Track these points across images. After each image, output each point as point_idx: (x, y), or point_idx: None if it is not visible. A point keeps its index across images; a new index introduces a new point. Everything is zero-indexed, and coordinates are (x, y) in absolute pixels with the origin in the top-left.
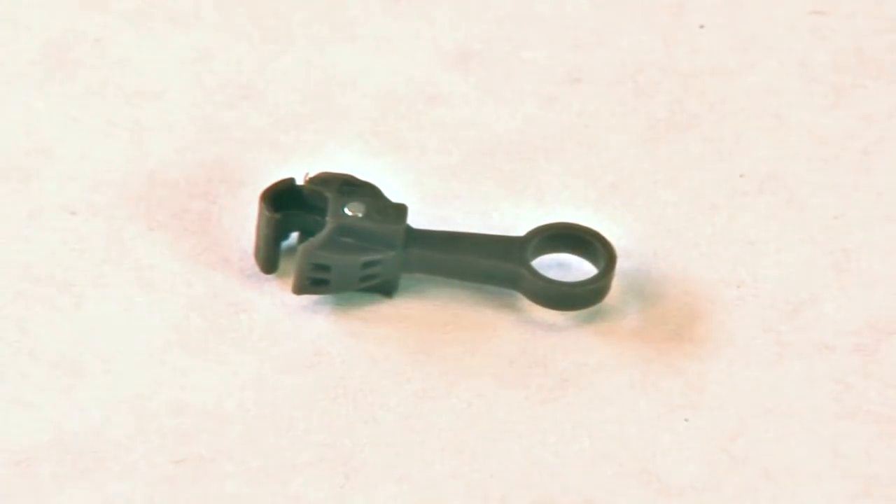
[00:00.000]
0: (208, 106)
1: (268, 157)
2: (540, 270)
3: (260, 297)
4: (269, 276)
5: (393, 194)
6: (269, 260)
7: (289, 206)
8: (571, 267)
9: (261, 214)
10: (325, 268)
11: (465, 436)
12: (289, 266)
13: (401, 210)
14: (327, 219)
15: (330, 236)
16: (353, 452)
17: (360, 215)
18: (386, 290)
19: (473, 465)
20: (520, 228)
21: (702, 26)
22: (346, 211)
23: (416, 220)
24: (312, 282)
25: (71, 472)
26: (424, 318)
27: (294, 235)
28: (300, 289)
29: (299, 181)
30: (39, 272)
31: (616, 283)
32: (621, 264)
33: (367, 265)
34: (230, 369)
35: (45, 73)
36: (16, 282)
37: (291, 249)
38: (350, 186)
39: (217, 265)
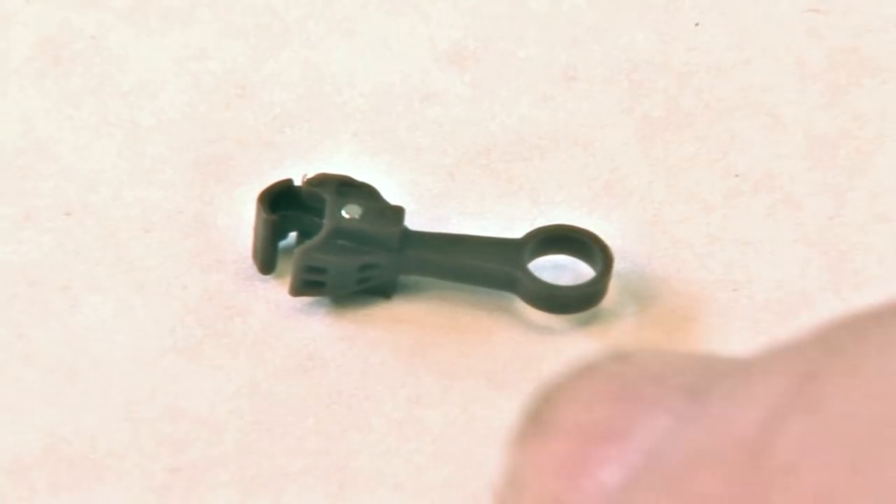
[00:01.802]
0: (204, 105)
1: (263, 157)
2: (536, 272)
3: (255, 300)
4: (266, 277)
5: (388, 194)
6: (266, 261)
7: (287, 206)
8: (567, 269)
9: (258, 216)
10: (321, 270)
11: (460, 442)
12: (286, 266)
13: (398, 212)
14: (324, 221)
15: (326, 239)
16: (347, 460)
17: (356, 217)
18: (383, 291)
19: (468, 471)
20: (514, 228)
21: (697, 24)
22: (343, 213)
23: (410, 220)
24: (309, 283)
25: (65, 480)
26: (420, 320)
27: (293, 235)
28: (296, 290)
29: (297, 182)
30: (34, 274)
31: (611, 285)
32: (616, 266)
33: (363, 268)
34: (224, 375)
35: (40, 71)
36: (10, 284)
37: (290, 249)
38: (347, 188)
39: (212, 267)
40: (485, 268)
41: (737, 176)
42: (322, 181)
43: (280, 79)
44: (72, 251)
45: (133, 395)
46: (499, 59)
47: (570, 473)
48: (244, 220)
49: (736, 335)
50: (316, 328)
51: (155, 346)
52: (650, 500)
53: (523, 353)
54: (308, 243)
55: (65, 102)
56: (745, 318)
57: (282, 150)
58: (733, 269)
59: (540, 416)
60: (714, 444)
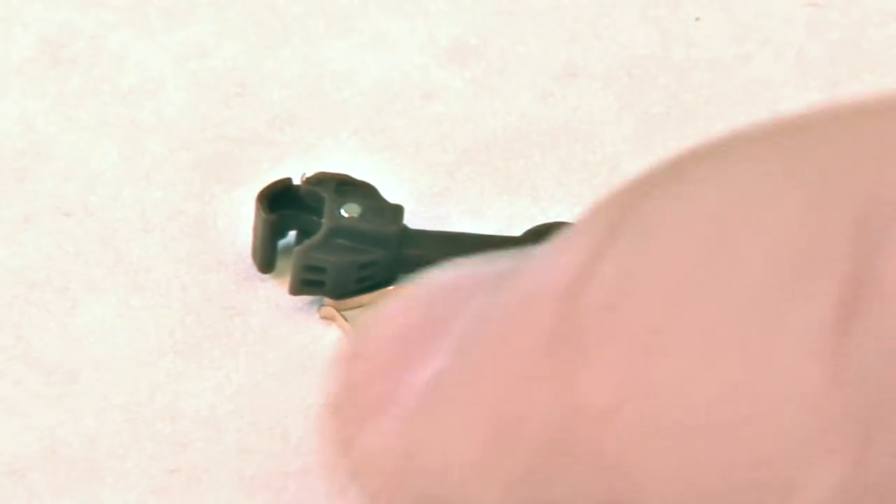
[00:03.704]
0: (203, 104)
1: (263, 157)
2: None
3: (255, 300)
4: (265, 277)
5: (388, 192)
6: (266, 260)
7: (286, 206)
8: None
9: (257, 215)
10: (320, 269)
11: None
12: (286, 266)
13: (397, 211)
14: (323, 220)
15: (325, 238)
16: None
17: (355, 216)
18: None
19: None
20: (514, 226)
21: (698, 19)
22: (342, 212)
23: (410, 219)
24: (308, 282)
25: (65, 482)
26: None
27: (292, 234)
28: (296, 289)
29: (296, 181)
30: (34, 276)
31: None
32: None
33: (362, 266)
34: (224, 375)
35: (39, 72)
36: (11, 286)
37: (289, 249)
38: (346, 186)
39: (212, 267)
40: None
41: None
42: (321, 180)
43: (280, 77)
44: (71, 252)
45: (132, 395)
46: (499, 55)
47: (393, 374)
48: (244, 219)
49: None
50: (316, 328)
51: (154, 347)
52: (464, 378)
53: None
54: (307, 242)
55: (64, 103)
56: None
57: (281, 149)
58: None
59: (365, 332)
60: (526, 299)
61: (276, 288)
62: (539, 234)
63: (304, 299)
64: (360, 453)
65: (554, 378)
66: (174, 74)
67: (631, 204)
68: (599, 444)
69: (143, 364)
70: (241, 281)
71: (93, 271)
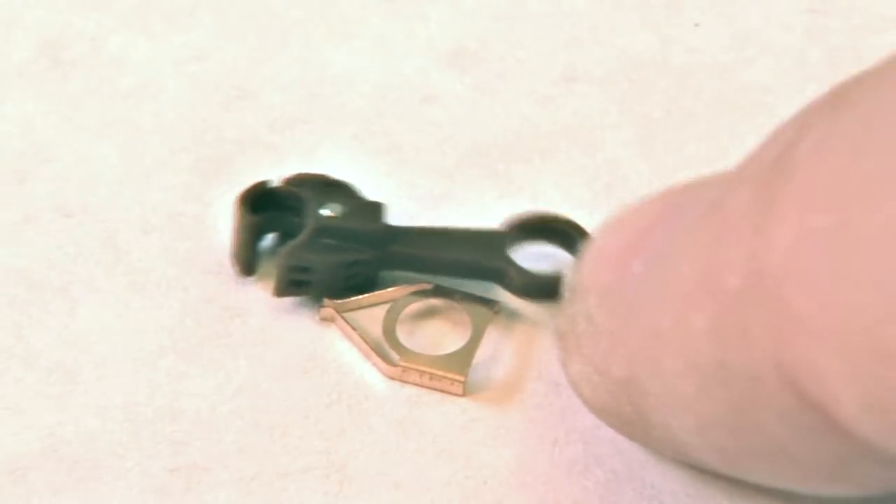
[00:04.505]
0: (203, 107)
1: (263, 159)
2: (521, 262)
3: (255, 300)
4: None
5: (388, 195)
6: (248, 263)
7: (265, 208)
8: (549, 257)
9: (240, 217)
10: (305, 269)
11: (459, 442)
12: (267, 268)
13: (378, 208)
14: (305, 220)
15: (310, 238)
16: (347, 460)
17: (337, 215)
18: (365, 288)
19: (468, 471)
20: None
21: (697, 24)
22: (324, 211)
23: (411, 221)
24: (294, 283)
25: (65, 481)
26: (417, 318)
27: (269, 237)
28: (281, 291)
29: (275, 183)
30: (34, 276)
31: None
32: None
33: (348, 265)
34: (224, 375)
35: (40, 74)
36: (10, 286)
37: (269, 252)
38: (326, 186)
39: (212, 269)
40: (469, 260)
41: None
42: (300, 181)
43: (279, 80)
44: (71, 253)
45: (133, 395)
46: (498, 60)
47: (615, 266)
48: None
49: None
50: (315, 329)
51: (154, 347)
52: (672, 251)
53: (520, 352)
54: (293, 243)
55: (64, 105)
56: None
57: (281, 152)
58: None
59: (594, 241)
60: (739, 176)
61: (272, 288)
62: (520, 227)
63: (305, 300)
64: (580, 328)
65: (749, 236)
66: (174, 77)
67: (829, 100)
68: (783, 294)
69: (143, 364)
70: (241, 282)
71: (92, 272)
